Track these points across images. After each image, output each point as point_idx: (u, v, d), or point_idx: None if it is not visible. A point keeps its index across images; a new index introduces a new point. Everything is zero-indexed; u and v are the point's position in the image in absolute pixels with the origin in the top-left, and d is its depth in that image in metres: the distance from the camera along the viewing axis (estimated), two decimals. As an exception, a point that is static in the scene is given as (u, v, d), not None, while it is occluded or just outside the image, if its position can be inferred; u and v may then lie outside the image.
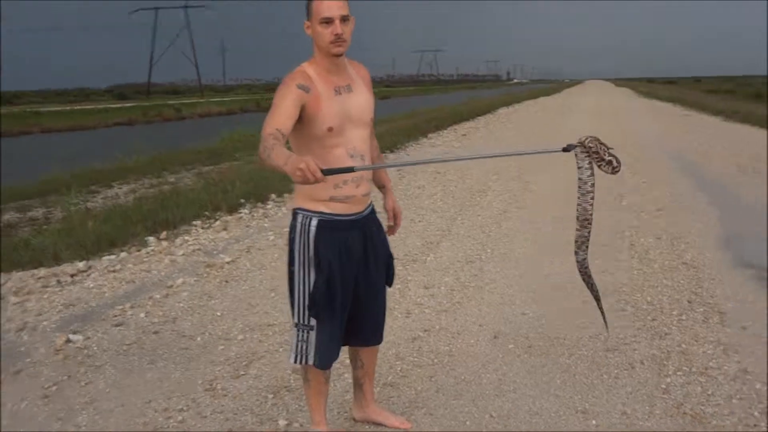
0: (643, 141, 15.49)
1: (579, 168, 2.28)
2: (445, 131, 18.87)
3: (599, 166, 2.29)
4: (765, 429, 3.04)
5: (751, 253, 5.94)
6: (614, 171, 2.33)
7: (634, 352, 3.89)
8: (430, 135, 17.40)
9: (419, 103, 41.82)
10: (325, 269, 2.63)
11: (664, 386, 3.47)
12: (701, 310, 4.54)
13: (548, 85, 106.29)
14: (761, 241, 6.33)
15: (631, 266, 5.57)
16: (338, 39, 2.53)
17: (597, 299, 2.59)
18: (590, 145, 2.26)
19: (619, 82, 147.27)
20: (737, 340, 4.03)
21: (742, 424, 3.09)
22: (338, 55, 2.58)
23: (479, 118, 24.91)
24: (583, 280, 2.49)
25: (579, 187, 2.27)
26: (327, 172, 2.19)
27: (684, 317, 4.41)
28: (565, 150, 2.32)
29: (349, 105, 2.63)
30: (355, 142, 2.65)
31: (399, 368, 3.76)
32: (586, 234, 2.35)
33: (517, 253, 6.09)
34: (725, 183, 9.61)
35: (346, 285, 2.70)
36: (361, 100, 2.70)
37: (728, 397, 3.34)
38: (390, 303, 3.29)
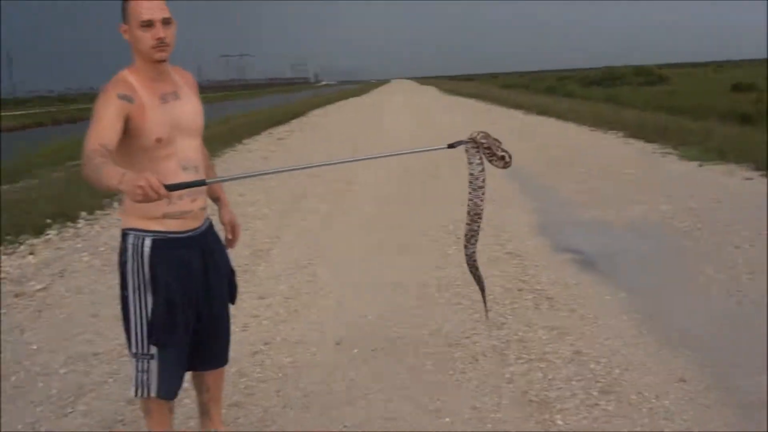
0: (456, 135, 16.10)
1: (470, 164, 2.24)
2: (260, 136, 18.58)
3: (490, 161, 2.27)
4: (605, 407, 3.20)
5: (565, 237, 6.32)
6: (506, 165, 2.32)
7: (475, 344, 3.97)
8: (245, 141, 17.06)
9: (230, 108, 41.05)
10: (164, 292, 2.43)
11: (508, 376, 3.56)
12: (531, 297, 4.74)
13: (356, 86, 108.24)
14: (573, 225, 6.77)
15: (461, 260, 5.68)
16: (161, 44, 2.34)
17: (482, 290, 2.60)
18: (482, 140, 2.23)
19: (423, 80, 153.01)
20: (568, 323, 4.23)
21: (584, 405, 3.23)
22: (162, 61, 2.39)
23: (293, 121, 24.80)
24: (471, 271, 2.49)
25: (470, 182, 2.24)
26: (172, 188, 2.02)
27: (516, 305, 4.58)
28: (451, 146, 2.29)
29: (177, 113, 2.44)
30: (186, 153, 2.47)
31: (243, 386, 3.58)
32: (476, 228, 2.34)
33: (348, 255, 6.06)
34: (534, 173, 10.18)
35: (188, 307, 2.51)
36: (190, 108, 2.52)
37: (567, 379, 3.48)
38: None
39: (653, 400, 3.24)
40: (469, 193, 2.26)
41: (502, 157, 2.24)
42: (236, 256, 5.99)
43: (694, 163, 10.29)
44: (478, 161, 2.23)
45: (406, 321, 4.39)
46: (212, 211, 2.68)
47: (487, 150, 2.23)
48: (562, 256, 5.73)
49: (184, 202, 2.42)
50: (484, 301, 2.66)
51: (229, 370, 3.62)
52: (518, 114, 23.85)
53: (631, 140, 13.83)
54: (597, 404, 3.22)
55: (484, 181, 2.23)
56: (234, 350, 3.89)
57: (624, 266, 5.38)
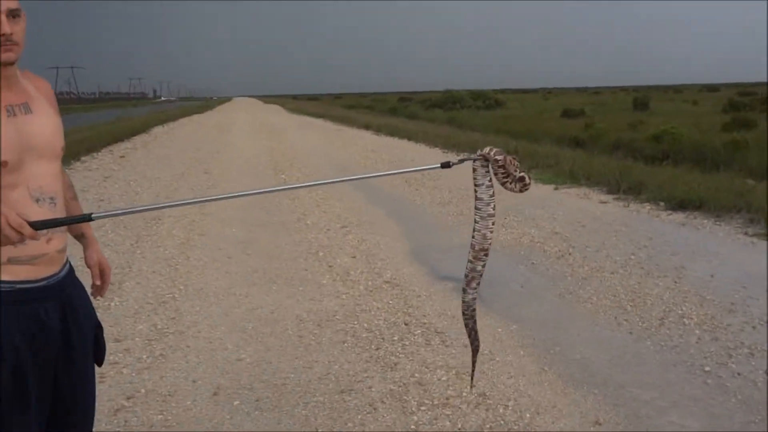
0: (309, 155, 15.78)
1: (478, 186, 1.81)
2: (99, 153, 17.32)
3: (503, 184, 1.86)
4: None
5: (440, 263, 6.10)
6: (524, 188, 1.88)
7: (370, 390, 3.59)
8: (83, 158, 15.82)
9: (64, 123, 38.45)
10: (11, 358, 1.87)
11: (413, 426, 3.21)
12: (419, 331, 4.43)
13: (198, 103, 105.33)
14: (446, 251, 6.57)
15: (337, 291, 5.33)
16: (7, 41, 1.81)
17: (475, 351, 2.07)
18: (497, 157, 1.80)
19: (267, 99, 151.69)
20: (465, 361, 3.94)
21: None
22: (8, 63, 1.86)
23: (134, 138, 23.46)
24: (466, 324, 1.99)
25: (477, 209, 1.81)
26: (39, 225, 1.52)
27: (406, 342, 4.25)
28: (446, 166, 1.86)
29: (28, 130, 1.90)
30: (40, 180, 1.92)
31: (105, 455, 3.02)
32: (480, 268, 1.87)
33: (214, 286, 5.51)
34: (398, 195, 9.98)
35: (44, 373, 1.96)
36: (46, 124, 1.97)
37: (478, 427, 3.19)
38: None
39: (572, 448, 3.00)
40: (476, 222, 1.83)
41: (522, 179, 1.84)
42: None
43: (549, 186, 10.50)
44: (489, 183, 1.81)
45: (288, 364, 3.94)
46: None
47: (502, 170, 1.82)
48: (441, 285, 5.48)
49: (37, 243, 1.87)
50: (473, 366, 2.12)
51: (88, 437, 3.05)
52: (368, 134, 23.85)
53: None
54: (516, 456, 2.94)
55: (494, 208, 1.82)
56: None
57: (508, 294, 5.21)
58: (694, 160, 13.61)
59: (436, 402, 3.43)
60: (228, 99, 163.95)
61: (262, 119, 39.16)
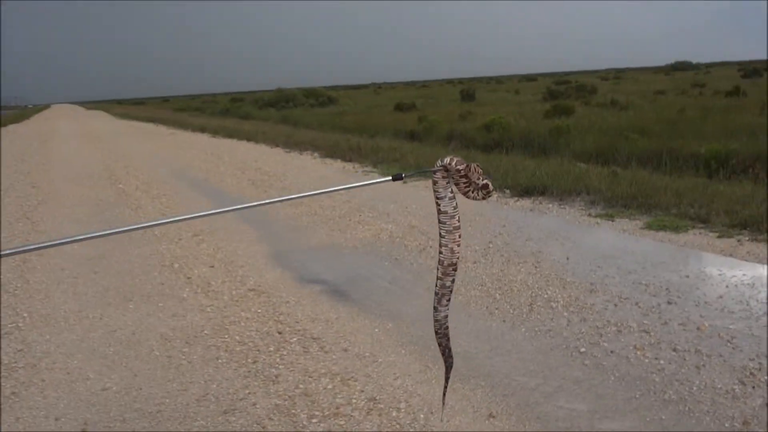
0: (144, 162, 15.06)
1: (440, 199, 1.66)
2: None
3: (465, 193, 1.70)
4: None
5: (303, 266, 5.97)
6: (487, 195, 1.75)
7: (255, 407, 3.40)
8: None
9: None
10: None
11: (308, 441, 3.07)
12: (295, 339, 4.27)
13: (11, 112, 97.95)
14: (306, 252, 6.45)
15: (200, 304, 5.06)
16: None
17: (448, 369, 1.87)
18: (458, 167, 1.65)
19: (89, 104, 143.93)
20: (346, 365, 3.84)
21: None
22: None
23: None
24: (439, 343, 1.81)
25: (442, 223, 1.66)
26: None
27: (284, 351, 4.08)
28: (395, 179, 1.71)
29: None
30: None
31: None
32: (449, 283, 1.72)
33: (62, 310, 5.06)
34: (246, 198, 9.71)
35: None
36: None
37: (374, 434, 3.11)
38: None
39: (471, 444, 2.98)
40: (442, 237, 1.69)
41: (485, 186, 1.71)
42: None
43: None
44: (451, 195, 1.68)
45: (161, 388, 3.67)
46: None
47: (464, 179, 1.69)
48: (309, 288, 5.35)
49: None
50: (446, 385, 1.93)
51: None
52: (204, 137, 23.17)
53: (329, 160, 14.01)
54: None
55: (459, 219, 1.68)
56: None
57: (376, 293, 5.16)
58: (522, 147, 14.26)
59: (326, 412, 3.30)
60: (45, 106, 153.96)
61: (88, 126, 37.06)
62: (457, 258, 1.69)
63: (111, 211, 9.05)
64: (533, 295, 4.86)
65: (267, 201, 1.74)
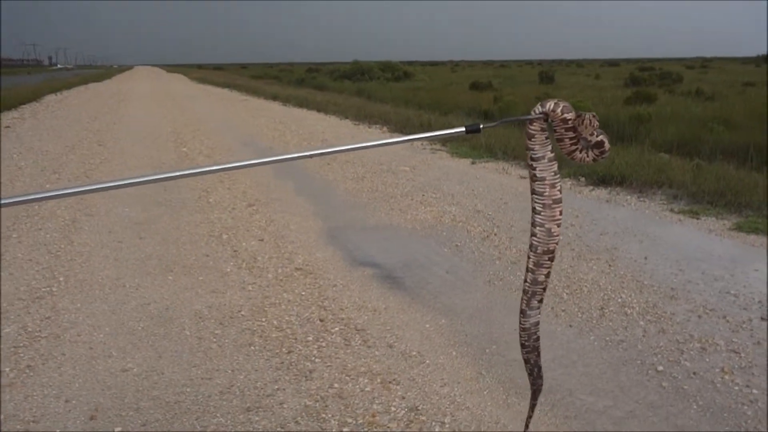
0: (213, 127, 14.92)
1: (536, 160, 1.21)
2: (-18, 123, 15.93)
3: (570, 153, 1.25)
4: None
5: (357, 247, 5.58)
6: (600, 156, 1.24)
7: (281, 406, 3.03)
8: (-39, 128, 14.45)
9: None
10: None
11: (334, 454, 2.69)
12: (337, 329, 3.88)
13: (97, 71, 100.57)
14: (361, 231, 6.06)
15: (242, 280, 4.73)
16: None
17: (535, 392, 1.45)
18: (566, 115, 1.19)
19: (170, 68, 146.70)
20: (390, 365, 3.43)
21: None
22: None
23: (23, 106, 21.82)
24: (526, 359, 1.38)
25: (537, 193, 1.21)
26: None
27: (323, 343, 3.69)
28: (470, 131, 1.26)
29: None
30: None
31: None
32: (543, 278, 1.27)
33: (100, 277, 4.80)
34: (308, 170, 9.38)
35: None
36: None
37: (411, 454, 2.69)
38: None
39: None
40: (536, 212, 1.23)
41: (599, 144, 1.23)
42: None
43: (467, 161, 10.12)
44: (551, 155, 1.22)
45: (184, 374, 3.34)
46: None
47: (571, 132, 1.22)
48: (359, 271, 4.95)
49: None
50: (530, 414, 1.51)
51: None
52: (276, 105, 23.00)
53: (397, 135, 13.56)
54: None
55: (561, 189, 1.22)
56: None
57: (431, 282, 4.72)
58: (600, 134, 13.51)
59: (360, 420, 2.90)
60: (129, 68, 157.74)
61: (165, 88, 37.53)
62: (556, 243, 1.25)
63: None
64: (605, 297, 4.35)
65: (316, 152, 1.27)
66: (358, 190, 7.93)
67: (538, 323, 1.34)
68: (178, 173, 1.17)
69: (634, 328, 3.87)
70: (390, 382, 3.24)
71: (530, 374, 1.43)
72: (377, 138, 6.89)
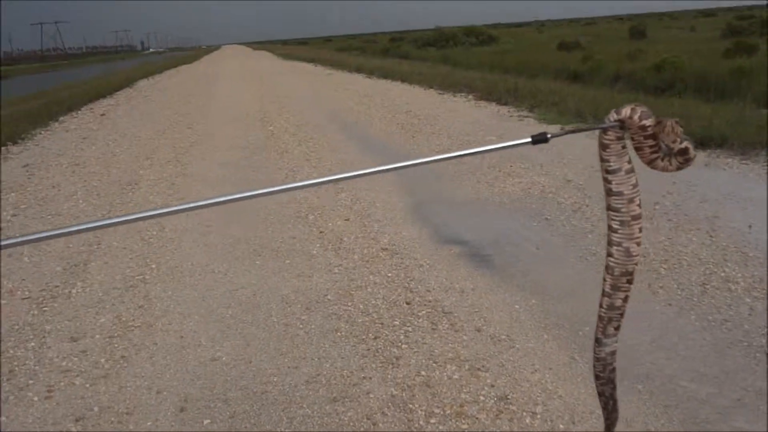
0: (299, 103, 15.01)
1: (611, 173, 1.09)
2: (80, 112, 16.53)
3: (651, 162, 1.11)
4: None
5: (443, 223, 5.47)
6: (685, 164, 1.08)
7: (368, 396, 2.98)
8: (62, 118, 15.04)
9: (47, 81, 37.45)
10: None
11: (423, 448, 2.62)
12: (424, 312, 3.80)
13: (186, 53, 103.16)
14: (447, 206, 5.94)
15: (328, 263, 4.70)
16: None
17: (609, 426, 1.31)
18: (644, 122, 1.05)
19: (256, 45, 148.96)
20: (478, 350, 3.33)
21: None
22: None
23: (117, 93, 22.57)
24: (600, 392, 1.26)
25: (614, 209, 1.09)
26: None
27: (409, 327, 3.62)
28: (536, 141, 1.10)
29: None
30: None
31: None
32: (620, 302, 1.15)
33: (190, 263, 4.88)
34: (391, 142, 9.30)
35: None
36: None
37: (503, 445, 2.60)
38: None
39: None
40: (613, 231, 1.11)
41: (684, 151, 1.07)
42: (44, 274, 4.75)
43: (555, 127, 9.80)
44: (629, 167, 1.09)
45: (271, 362, 3.33)
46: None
47: (651, 140, 1.07)
48: (446, 250, 4.85)
49: None
50: None
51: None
52: (360, 78, 22.97)
53: (483, 103, 13.29)
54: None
55: (640, 204, 1.10)
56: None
57: (521, 259, 4.58)
58: (697, 90, 12.84)
59: (447, 411, 2.81)
60: (216, 47, 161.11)
61: (251, 66, 38.10)
62: (635, 264, 1.11)
63: (258, 155, 8.93)
64: (707, 272, 4.10)
65: (391, 166, 1.14)
66: (443, 163, 7.78)
67: (614, 352, 1.21)
68: (236, 196, 1.09)
69: (739, 305, 3.63)
70: (478, 369, 3.14)
71: (604, 408, 1.30)
72: (469, 129, 6.69)
